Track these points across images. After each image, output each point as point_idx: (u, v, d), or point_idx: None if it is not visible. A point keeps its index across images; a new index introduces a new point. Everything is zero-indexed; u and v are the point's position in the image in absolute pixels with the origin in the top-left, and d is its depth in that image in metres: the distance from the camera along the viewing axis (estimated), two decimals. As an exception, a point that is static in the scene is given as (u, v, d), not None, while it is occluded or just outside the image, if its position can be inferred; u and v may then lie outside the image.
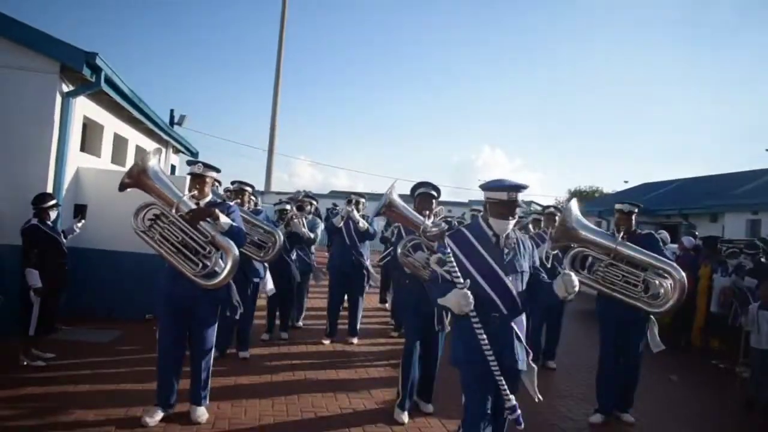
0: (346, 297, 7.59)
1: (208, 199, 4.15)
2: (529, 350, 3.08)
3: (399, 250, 4.55)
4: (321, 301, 9.02)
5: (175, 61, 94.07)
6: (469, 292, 2.83)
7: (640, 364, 4.92)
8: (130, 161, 9.88)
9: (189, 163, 4.31)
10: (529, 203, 32.17)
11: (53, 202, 5.58)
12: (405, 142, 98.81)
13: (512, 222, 3.06)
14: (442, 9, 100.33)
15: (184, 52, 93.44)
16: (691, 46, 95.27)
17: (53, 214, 5.59)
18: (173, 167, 13.75)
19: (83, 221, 6.11)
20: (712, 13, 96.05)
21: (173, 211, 3.87)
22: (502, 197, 3.02)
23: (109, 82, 7.11)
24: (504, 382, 2.90)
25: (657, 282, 4.42)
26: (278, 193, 23.46)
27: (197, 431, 4.02)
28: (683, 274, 4.42)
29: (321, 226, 7.97)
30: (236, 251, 3.90)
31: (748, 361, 6.19)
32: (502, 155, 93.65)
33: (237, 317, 5.30)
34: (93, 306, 7.28)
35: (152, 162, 3.89)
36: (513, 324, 3.02)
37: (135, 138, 10.02)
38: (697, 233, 10.11)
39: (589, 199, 47.14)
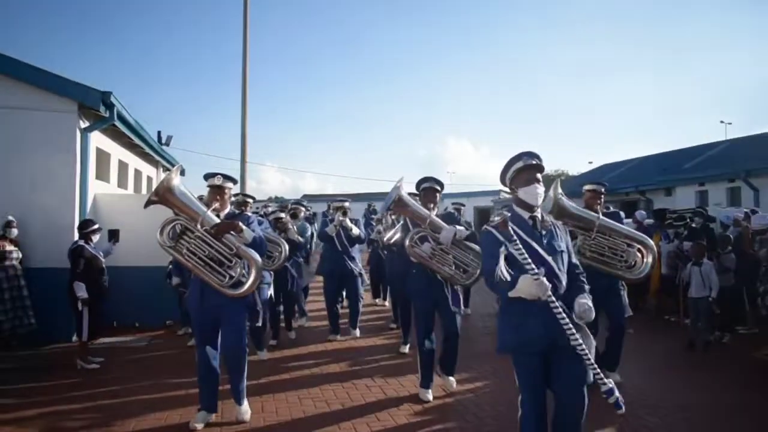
0: (344, 296, 8.20)
1: (227, 210, 4.34)
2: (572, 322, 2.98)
3: (407, 242, 4.80)
4: (320, 303, 9.41)
5: (140, 78, 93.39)
6: (543, 278, 2.83)
7: (624, 325, 5.35)
8: (131, 184, 10.68)
9: (207, 176, 4.35)
10: (497, 192, 33.51)
11: (96, 226, 6.50)
12: (370, 141, 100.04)
13: (541, 188, 3.13)
14: (398, 4, 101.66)
15: (143, 69, 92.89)
16: (651, 21, 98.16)
17: (96, 238, 6.48)
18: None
19: (117, 243, 6.97)
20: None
21: (198, 226, 4.03)
22: (519, 165, 3.16)
23: (119, 116, 7.91)
24: (595, 364, 2.84)
25: (633, 251, 4.93)
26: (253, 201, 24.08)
27: (237, 431, 4.27)
28: (653, 243, 5.09)
29: (309, 230, 8.64)
30: (260, 261, 4.15)
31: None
32: (468, 145, 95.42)
33: (259, 323, 6.19)
34: (118, 317, 8.07)
35: (176, 180, 4.06)
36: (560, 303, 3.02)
37: (133, 162, 10.80)
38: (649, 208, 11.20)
39: (552, 181, 48.51)
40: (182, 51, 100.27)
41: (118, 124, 8.13)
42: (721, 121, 52.45)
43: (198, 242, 4.04)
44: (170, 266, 7.31)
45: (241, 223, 4.10)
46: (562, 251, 3.11)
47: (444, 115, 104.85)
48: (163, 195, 3.99)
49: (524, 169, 3.14)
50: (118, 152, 9.61)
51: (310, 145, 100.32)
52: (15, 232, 6.82)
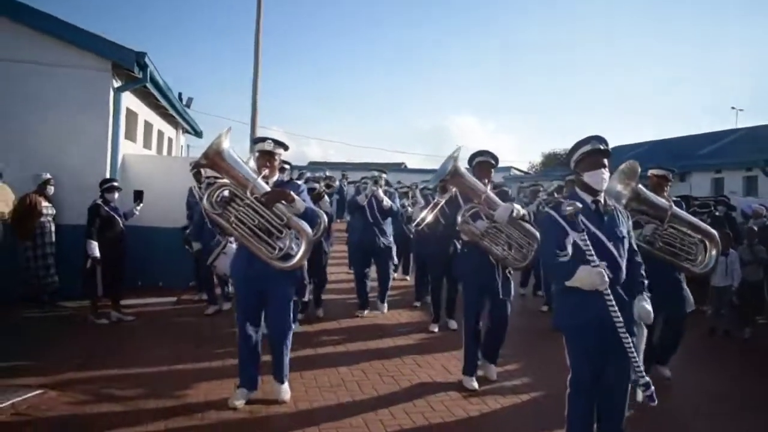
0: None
1: (275, 177, 4.08)
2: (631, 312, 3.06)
3: (459, 219, 4.49)
4: (337, 275, 9.35)
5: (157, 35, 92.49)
6: (603, 270, 2.83)
7: (685, 319, 5.00)
8: (154, 145, 10.70)
9: (256, 141, 4.13)
10: (508, 168, 33.37)
11: (110, 184, 6.57)
12: (373, 112, 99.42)
13: (607, 173, 3.09)
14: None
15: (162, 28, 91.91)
16: (657, 9, 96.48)
17: (115, 196, 6.55)
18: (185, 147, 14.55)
19: (141, 204, 7.05)
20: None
21: (248, 193, 3.74)
22: (587, 148, 3.12)
23: (151, 77, 7.91)
24: (636, 355, 2.87)
25: (699, 243, 4.63)
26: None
27: (278, 412, 4.05)
28: (717, 235, 4.74)
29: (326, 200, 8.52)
30: (311, 233, 3.88)
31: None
32: (474, 121, 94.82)
33: (306, 298, 6.14)
34: (143, 277, 8.19)
35: (226, 143, 3.73)
36: (620, 290, 3.01)
37: (157, 123, 10.81)
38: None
39: (565, 163, 47.95)
40: (195, 11, 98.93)
41: (148, 85, 8.14)
42: (732, 107, 51.44)
43: (247, 210, 3.76)
44: (188, 231, 7.33)
45: (292, 193, 3.84)
46: (623, 237, 3.07)
47: (449, 89, 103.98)
48: (213, 158, 3.70)
49: (592, 153, 3.10)
50: (144, 113, 9.62)
51: (312, 111, 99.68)
52: (52, 189, 6.89)
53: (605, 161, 3.09)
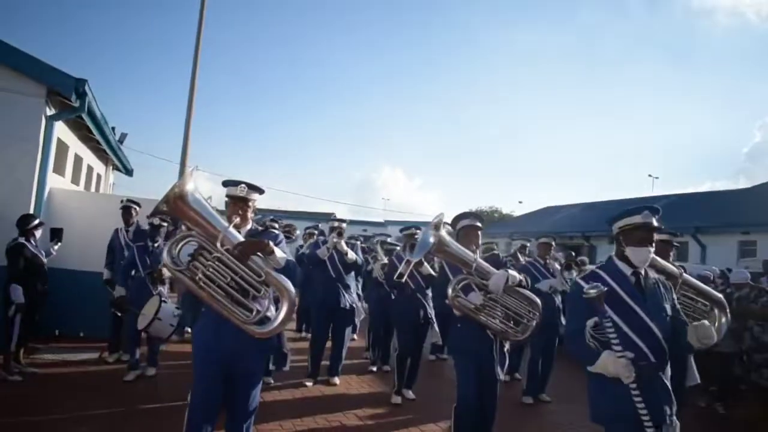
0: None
1: (248, 227, 3.48)
2: (673, 401, 2.81)
3: (450, 292, 3.94)
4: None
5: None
6: (627, 360, 2.63)
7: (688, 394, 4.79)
8: (83, 180, 9.89)
9: (227, 183, 3.51)
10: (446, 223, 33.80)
11: (37, 222, 5.95)
12: (305, 162, 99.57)
13: (652, 251, 2.89)
14: (341, 29, 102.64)
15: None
16: (578, 77, 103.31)
17: (38, 234, 5.93)
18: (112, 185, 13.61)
19: (59, 243, 6.36)
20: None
21: (218, 244, 3.07)
22: (637, 221, 2.88)
23: (89, 107, 7.30)
24: None
25: (714, 314, 4.34)
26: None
27: None
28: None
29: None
30: (293, 291, 3.16)
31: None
32: (401, 174, 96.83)
33: (287, 368, 5.44)
34: (62, 326, 7.35)
35: (190, 185, 3.10)
36: (661, 374, 2.80)
37: (87, 157, 10.03)
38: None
39: (490, 219, 49.50)
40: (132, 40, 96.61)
41: (84, 116, 7.51)
42: (649, 175, 55.95)
43: (218, 265, 3.08)
44: (105, 277, 6.93)
45: (271, 243, 3.21)
46: (667, 315, 2.84)
47: (380, 143, 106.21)
48: (175, 203, 3.06)
49: (641, 227, 2.87)
50: (75, 145, 8.87)
51: (242, 156, 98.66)
52: (-40, 224, 6.06)
53: (653, 237, 2.89)
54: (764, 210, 14.89)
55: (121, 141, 12.90)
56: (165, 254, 3.08)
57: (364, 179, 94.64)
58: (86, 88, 6.77)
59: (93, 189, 11.06)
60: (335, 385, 6.47)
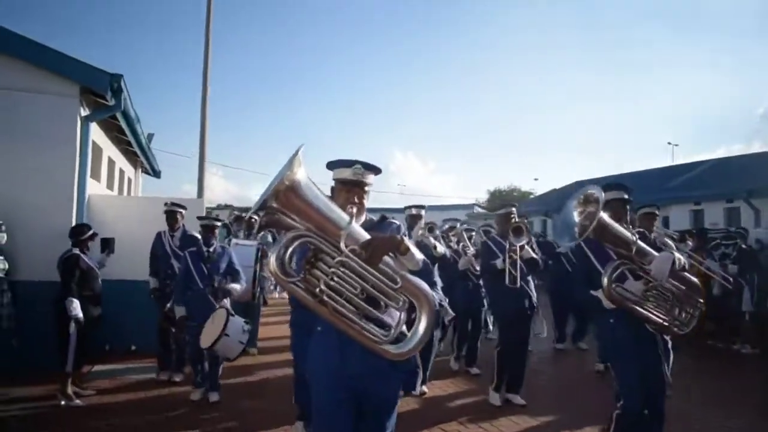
0: None
1: (363, 218, 2.78)
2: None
3: (605, 282, 3.36)
4: None
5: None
6: None
7: None
8: (116, 184, 9.43)
9: (336, 164, 2.79)
10: (471, 206, 33.15)
11: (91, 232, 5.51)
12: (316, 150, 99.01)
13: None
14: (344, 19, 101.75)
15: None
16: (587, 46, 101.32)
17: (91, 245, 5.53)
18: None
19: (111, 254, 5.91)
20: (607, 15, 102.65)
21: (342, 245, 2.35)
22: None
23: (124, 106, 6.80)
24: None
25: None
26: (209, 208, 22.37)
27: None
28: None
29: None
30: (434, 299, 2.53)
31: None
32: (414, 159, 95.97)
33: (417, 391, 5.13)
34: (112, 340, 6.90)
35: (301, 172, 2.34)
36: None
37: (119, 160, 9.56)
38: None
39: (508, 197, 48.68)
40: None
41: (118, 115, 7.02)
42: (669, 143, 55.25)
43: (343, 272, 2.34)
44: (157, 289, 6.38)
45: (406, 239, 2.49)
46: None
47: (391, 127, 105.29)
48: (286, 197, 2.28)
49: None
50: (108, 148, 8.40)
51: (252, 151, 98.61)
52: (4, 238, 5.60)
53: None
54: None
55: (148, 141, 12.44)
56: (273, 261, 2.31)
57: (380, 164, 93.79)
58: (122, 84, 6.26)
59: (125, 193, 10.62)
60: (423, 394, 5.71)
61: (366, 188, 2.74)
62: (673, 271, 3.37)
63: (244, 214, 8.57)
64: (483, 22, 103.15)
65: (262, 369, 6.72)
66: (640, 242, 3.42)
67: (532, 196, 42.11)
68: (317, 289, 2.29)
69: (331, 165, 2.78)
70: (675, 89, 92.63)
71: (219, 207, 35.93)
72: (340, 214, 2.43)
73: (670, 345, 3.64)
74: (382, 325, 2.37)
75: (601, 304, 3.48)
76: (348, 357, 2.52)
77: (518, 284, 5.27)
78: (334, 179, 2.80)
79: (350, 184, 2.70)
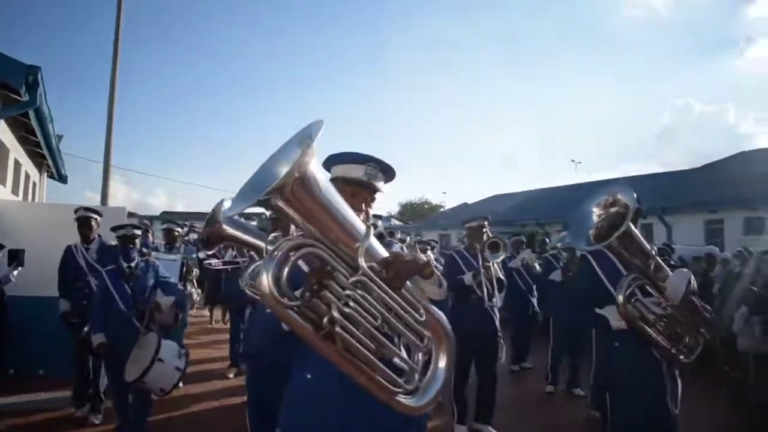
0: None
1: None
2: None
3: (620, 298, 3.06)
4: None
5: None
6: None
7: None
8: (21, 189, 8.51)
9: (341, 158, 2.18)
10: (388, 218, 33.25)
11: None
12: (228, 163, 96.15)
13: None
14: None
15: None
16: (498, 62, 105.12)
17: None
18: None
19: (20, 268, 5.24)
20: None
21: (360, 261, 1.71)
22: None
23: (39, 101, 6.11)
24: None
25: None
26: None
27: None
28: None
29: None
30: (453, 336, 1.96)
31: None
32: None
33: None
34: (17, 364, 6.14)
35: (313, 162, 1.68)
36: None
37: (24, 162, 8.65)
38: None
39: (420, 211, 48.98)
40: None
41: (30, 112, 6.30)
42: (572, 160, 58.05)
43: (362, 297, 1.70)
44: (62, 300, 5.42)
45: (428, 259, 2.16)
46: None
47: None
48: (294, 193, 1.63)
49: None
50: (14, 148, 7.55)
51: (160, 159, 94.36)
52: None
53: None
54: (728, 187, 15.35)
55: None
56: (266, 280, 1.58)
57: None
58: (39, 77, 5.59)
59: (29, 199, 9.62)
60: None
61: (375, 195, 2.18)
62: (687, 294, 3.17)
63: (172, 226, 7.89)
64: (386, 32, 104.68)
65: (190, 402, 5.93)
66: (657, 258, 3.20)
67: (442, 209, 42.40)
68: (325, 319, 1.65)
69: (336, 158, 2.17)
70: (578, 109, 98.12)
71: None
72: (358, 222, 1.83)
73: (677, 373, 3.39)
74: (393, 368, 1.78)
75: (607, 325, 3.22)
76: (354, 416, 1.90)
77: (491, 302, 4.89)
78: (334, 176, 2.17)
79: (359, 185, 2.12)
